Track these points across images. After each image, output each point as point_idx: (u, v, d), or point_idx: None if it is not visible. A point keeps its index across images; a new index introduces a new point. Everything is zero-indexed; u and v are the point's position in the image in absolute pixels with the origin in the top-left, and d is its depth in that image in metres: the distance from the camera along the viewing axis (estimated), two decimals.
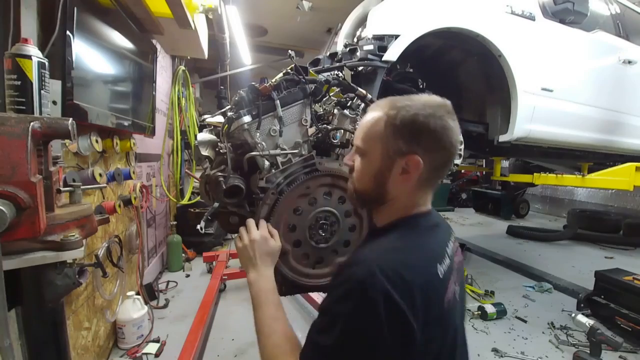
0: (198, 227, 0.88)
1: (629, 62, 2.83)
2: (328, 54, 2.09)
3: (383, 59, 1.92)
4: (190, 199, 3.52)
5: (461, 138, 0.69)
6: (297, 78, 0.94)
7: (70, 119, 0.76)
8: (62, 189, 0.88)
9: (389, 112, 0.65)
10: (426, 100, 0.66)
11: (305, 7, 4.16)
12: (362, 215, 1.00)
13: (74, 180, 1.21)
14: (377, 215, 0.74)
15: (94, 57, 1.61)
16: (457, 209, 7.58)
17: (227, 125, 0.92)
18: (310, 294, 2.37)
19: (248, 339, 2.22)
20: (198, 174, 1.26)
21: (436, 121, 0.63)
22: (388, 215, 0.71)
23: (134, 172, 2.11)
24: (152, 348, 2.05)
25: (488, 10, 2.21)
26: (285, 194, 0.88)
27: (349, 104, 1.03)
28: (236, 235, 0.88)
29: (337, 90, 1.07)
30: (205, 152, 1.04)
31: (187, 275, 3.27)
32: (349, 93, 1.03)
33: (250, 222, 0.86)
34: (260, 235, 0.83)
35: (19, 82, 0.78)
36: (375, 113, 0.68)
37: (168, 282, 3.04)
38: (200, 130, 1.27)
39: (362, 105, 1.03)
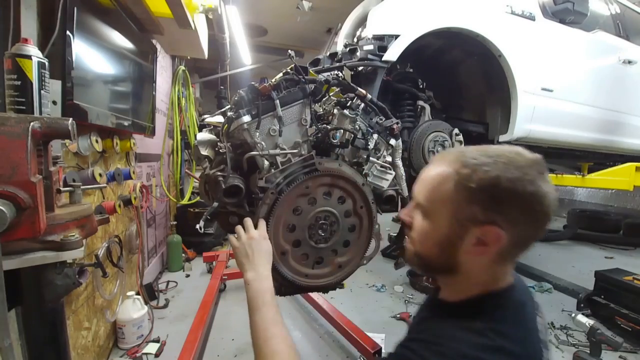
0: (197, 226, 0.88)
1: (629, 62, 2.83)
2: (328, 54, 2.09)
3: (383, 59, 1.92)
4: (190, 199, 3.52)
5: (556, 202, 0.55)
6: (296, 78, 0.94)
7: (70, 119, 0.76)
8: (62, 189, 0.88)
9: (461, 170, 0.55)
10: (510, 158, 0.54)
11: (305, 7, 4.16)
12: (361, 215, 1.00)
13: (74, 180, 1.21)
14: (446, 286, 0.65)
15: (94, 57, 1.61)
16: None
17: (226, 125, 0.92)
18: (310, 294, 2.38)
19: (248, 339, 2.19)
20: (198, 174, 1.26)
21: (525, 186, 0.51)
22: (463, 289, 0.60)
23: (134, 172, 2.11)
24: (152, 348, 2.05)
25: (488, 10, 2.21)
26: (284, 194, 0.88)
27: (348, 104, 1.03)
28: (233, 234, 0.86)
29: (336, 90, 1.07)
30: (204, 151, 1.04)
31: (187, 275, 3.27)
32: (349, 93, 1.03)
33: (248, 220, 0.84)
34: (259, 234, 0.81)
35: (19, 82, 0.78)
36: (441, 168, 0.58)
37: (168, 282, 3.04)
38: (200, 130, 1.27)
39: (362, 105, 1.03)
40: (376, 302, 2.80)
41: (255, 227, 0.84)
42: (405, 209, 0.68)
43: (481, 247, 0.55)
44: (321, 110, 1.12)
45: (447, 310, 0.62)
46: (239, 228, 0.84)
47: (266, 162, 0.90)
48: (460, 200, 0.54)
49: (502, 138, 2.47)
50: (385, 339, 2.21)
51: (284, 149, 0.92)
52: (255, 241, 0.80)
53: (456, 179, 0.55)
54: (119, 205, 1.83)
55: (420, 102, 2.28)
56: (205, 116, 1.70)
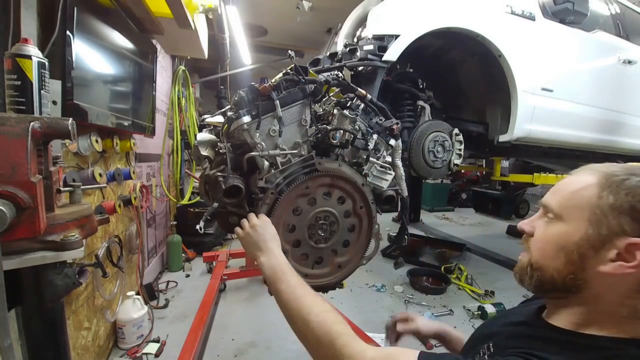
0: (197, 227, 0.88)
1: (629, 62, 2.83)
2: (328, 54, 2.09)
3: (383, 59, 1.92)
4: (190, 199, 3.52)
5: None
6: (296, 78, 0.94)
7: (70, 119, 0.76)
8: (62, 189, 0.88)
9: (609, 178, 0.50)
10: None
11: (305, 7, 4.16)
12: (361, 216, 1.00)
13: (74, 180, 1.21)
14: (565, 313, 0.54)
15: (94, 57, 1.61)
16: (457, 209, 7.58)
17: (226, 125, 0.92)
18: None
19: (248, 339, 2.22)
20: (198, 174, 1.26)
21: None
22: (592, 320, 0.50)
23: (134, 172, 2.12)
24: (152, 348, 2.05)
25: (488, 10, 2.21)
26: (284, 194, 0.88)
27: (348, 104, 1.03)
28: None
29: (336, 90, 1.07)
30: (204, 152, 1.04)
31: (187, 275, 3.27)
32: (349, 93, 1.03)
33: (251, 214, 0.86)
34: (262, 220, 0.82)
35: (19, 82, 0.78)
36: (584, 177, 0.53)
37: (168, 282, 3.04)
38: (200, 130, 1.27)
39: (362, 105, 1.03)
40: (376, 302, 2.80)
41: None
42: (527, 219, 0.61)
43: (622, 265, 0.46)
44: (321, 110, 1.12)
45: (556, 338, 0.51)
46: (243, 220, 0.85)
47: (266, 163, 0.90)
48: (604, 207, 0.48)
49: (502, 138, 2.48)
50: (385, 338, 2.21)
51: (284, 150, 0.92)
52: (259, 226, 0.80)
53: (603, 183, 0.50)
54: (119, 205, 1.83)
55: (420, 102, 2.28)
56: (205, 116, 1.71)
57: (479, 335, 0.69)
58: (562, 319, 0.54)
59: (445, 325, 0.93)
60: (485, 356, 0.56)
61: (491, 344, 0.58)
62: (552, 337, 0.52)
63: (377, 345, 1.91)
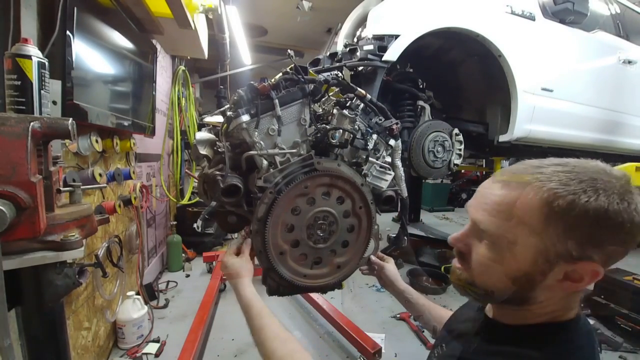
0: (195, 225, 0.88)
1: (629, 62, 2.83)
2: (328, 54, 2.10)
3: (383, 59, 1.92)
4: (190, 199, 3.52)
5: None
6: (296, 77, 0.94)
7: (70, 119, 0.76)
8: (62, 189, 0.88)
9: (554, 199, 0.46)
10: (606, 182, 0.46)
11: (305, 7, 4.16)
12: (360, 216, 1.00)
13: (74, 180, 1.21)
14: (505, 311, 0.58)
15: (94, 57, 1.61)
16: (457, 209, 7.57)
17: (225, 124, 0.92)
18: (310, 294, 2.38)
19: (248, 339, 2.20)
20: (198, 174, 1.26)
21: (633, 218, 0.44)
22: (526, 317, 0.54)
23: (134, 172, 2.12)
24: (152, 348, 2.05)
25: (488, 11, 2.21)
26: (283, 194, 0.88)
27: (348, 104, 1.03)
28: (236, 235, 0.90)
29: (336, 90, 1.07)
30: (203, 151, 1.04)
31: (187, 275, 3.27)
32: (349, 93, 1.03)
33: (229, 250, 0.92)
34: (241, 258, 0.89)
35: (19, 82, 0.78)
36: (520, 192, 0.49)
37: (168, 282, 3.04)
38: (200, 130, 1.27)
39: (362, 105, 1.03)
40: (376, 302, 2.80)
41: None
42: (458, 233, 0.60)
43: (568, 283, 0.49)
44: (320, 110, 1.12)
45: (502, 334, 0.56)
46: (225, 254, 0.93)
47: (265, 162, 0.90)
48: (552, 234, 0.46)
49: (502, 138, 2.48)
50: (385, 339, 2.22)
51: (283, 149, 0.92)
52: (237, 262, 0.88)
53: (546, 210, 0.46)
54: (119, 205, 1.83)
55: (420, 102, 2.29)
56: (205, 116, 1.71)
57: (446, 328, 0.75)
58: (510, 317, 0.56)
59: (411, 291, 1.01)
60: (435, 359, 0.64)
61: (443, 346, 0.65)
62: (498, 335, 0.56)
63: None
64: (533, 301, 0.52)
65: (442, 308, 0.97)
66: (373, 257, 1.08)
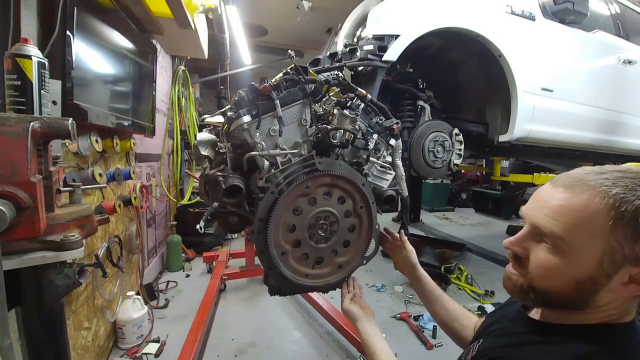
0: (197, 226, 0.88)
1: (629, 62, 2.83)
2: (328, 54, 2.09)
3: (383, 59, 1.92)
4: (190, 199, 3.52)
5: None
6: (296, 78, 0.94)
7: (70, 119, 0.76)
8: (62, 189, 0.88)
9: (620, 205, 0.47)
10: None
11: (305, 7, 4.16)
12: (361, 216, 1.00)
13: (74, 180, 1.21)
14: (555, 312, 0.57)
15: (94, 57, 1.61)
16: (457, 209, 7.58)
17: (226, 125, 0.92)
18: (310, 294, 2.38)
19: (248, 339, 2.22)
20: (198, 174, 1.26)
21: None
22: (578, 318, 0.54)
23: (134, 172, 2.12)
24: (152, 348, 2.05)
25: (488, 10, 2.21)
26: (284, 194, 0.88)
27: (348, 104, 1.03)
28: (236, 235, 0.89)
29: (336, 90, 1.07)
30: (204, 151, 1.04)
31: (187, 275, 3.27)
32: (349, 93, 1.03)
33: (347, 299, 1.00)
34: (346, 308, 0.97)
35: (19, 82, 0.78)
36: (585, 197, 0.50)
37: (168, 282, 3.04)
38: (200, 130, 1.27)
39: (362, 105, 1.03)
40: (376, 302, 2.80)
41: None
42: (514, 237, 0.58)
43: (634, 286, 0.49)
44: (321, 110, 1.12)
45: (551, 332, 0.55)
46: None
47: (266, 162, 0.90)
48: (620, 238, 0.47)
49: (502, 138, 2.48)
50: (385, 339, 2.21)
51: (284, 149, 0.92)
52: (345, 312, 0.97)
53: (613, 214, 0.47)
54: (119, 205, 1.83)
55: (420, 102, 2.28)
56: (205, 116, 1.71)
57: (481, 329, 0.74)
58: (548, 314, 0.57)
59: (421, 272, 1.04)
60: (469, 357, 0.62)
61: (476, 345, 0.64)
62: (545, 335, 0.55)
63: None
64: (594, 304, 0.52)
65: (458, 304, 0.98)
66: (388, 245, 1.10)
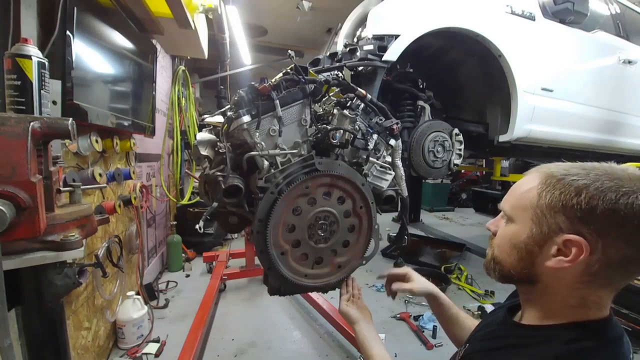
0: (197, 226, 0.88)
1: (629, 62, 2.83)
2: (328, 54, 2.10)
3: (383, 59, 1.92)
4: (190, 199, 3.52)
5: None
6: (296, 78, 0.94)
7: (70, 119, 0.76)
8: (62, 189, 0.88)
9: (548, 179, 0.54)
10: (607, 170, 0.51)
11: (305, 7, 4.16)
12: (361, 216, 1.00)
13: (74, 180, 1.21)
14: (530, 306, 0.60)
15: (93, 57, 1.61)
16: (457, 209, 7.58)
17: (226, 125, 0.92)
18: (310, 294, 2.38)
19: (248, 339, 2.22)
20: (198, 174, 1.26)
21: (619, 198, 0.47)
22: (549, 312, 0.56)
23: (134, 172, 2.12)
24: (152, 348, 2.05)
25: (488, 10, 2.21)
26: (284, 194, 0.88)
27: (348, 104, 1.03)
28: (236, 235, 0.89)
29: (336, 90, 1.07)
30: (204, 151, 1.04)
31: (187, 275, 3.27)
32: (349, 93, 1.03)
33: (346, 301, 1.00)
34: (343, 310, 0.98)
35: (19, 82, 0.78)
36: (529, 177, 0.58)
37: (168, 282, 3.04)
38: (200, 130, 1.27)
39: (362, 105, 1.03)
40: (376, 302, 2.80)
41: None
42: (493, 219, 0.67)
43: (561, 259, 0.51)
44: (321, 110, 1.12)
45: (525, 336, 0.57)
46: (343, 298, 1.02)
47: (266, 162, 0.90)
48: (543, 207, 0.53)
49: (502, 138, 2.48)
50: (385, 339, 2.22)
51: (284, 149, 0.92)
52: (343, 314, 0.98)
53: (540, 186, 0.54)
54: (119, 205, 1.83)
55: (420, 102, 2.29)
56: (205, 116, 1.71)
57: (476, 329, 0.77)
58: (529, 315, 0.60)
59: (435, 288, 1.00)
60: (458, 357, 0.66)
61: (462, 349, 0.67)
62: (521, 338, 0.58)
63: None
64: (540, 280, 0.55)
65: (473, 320, 0.94)
66: (396, 286, 1.00)
